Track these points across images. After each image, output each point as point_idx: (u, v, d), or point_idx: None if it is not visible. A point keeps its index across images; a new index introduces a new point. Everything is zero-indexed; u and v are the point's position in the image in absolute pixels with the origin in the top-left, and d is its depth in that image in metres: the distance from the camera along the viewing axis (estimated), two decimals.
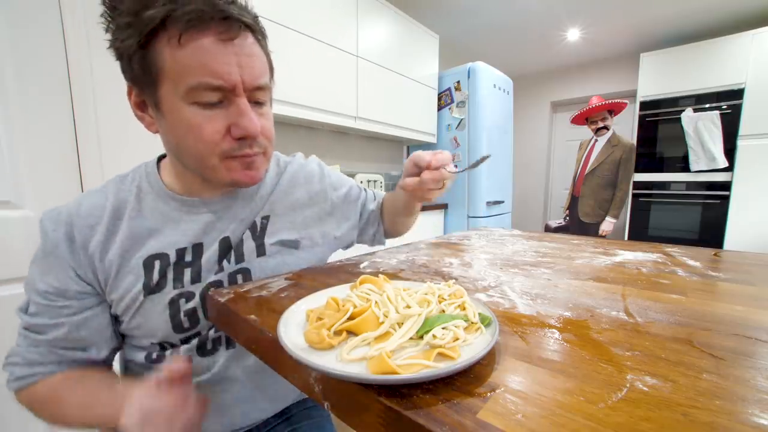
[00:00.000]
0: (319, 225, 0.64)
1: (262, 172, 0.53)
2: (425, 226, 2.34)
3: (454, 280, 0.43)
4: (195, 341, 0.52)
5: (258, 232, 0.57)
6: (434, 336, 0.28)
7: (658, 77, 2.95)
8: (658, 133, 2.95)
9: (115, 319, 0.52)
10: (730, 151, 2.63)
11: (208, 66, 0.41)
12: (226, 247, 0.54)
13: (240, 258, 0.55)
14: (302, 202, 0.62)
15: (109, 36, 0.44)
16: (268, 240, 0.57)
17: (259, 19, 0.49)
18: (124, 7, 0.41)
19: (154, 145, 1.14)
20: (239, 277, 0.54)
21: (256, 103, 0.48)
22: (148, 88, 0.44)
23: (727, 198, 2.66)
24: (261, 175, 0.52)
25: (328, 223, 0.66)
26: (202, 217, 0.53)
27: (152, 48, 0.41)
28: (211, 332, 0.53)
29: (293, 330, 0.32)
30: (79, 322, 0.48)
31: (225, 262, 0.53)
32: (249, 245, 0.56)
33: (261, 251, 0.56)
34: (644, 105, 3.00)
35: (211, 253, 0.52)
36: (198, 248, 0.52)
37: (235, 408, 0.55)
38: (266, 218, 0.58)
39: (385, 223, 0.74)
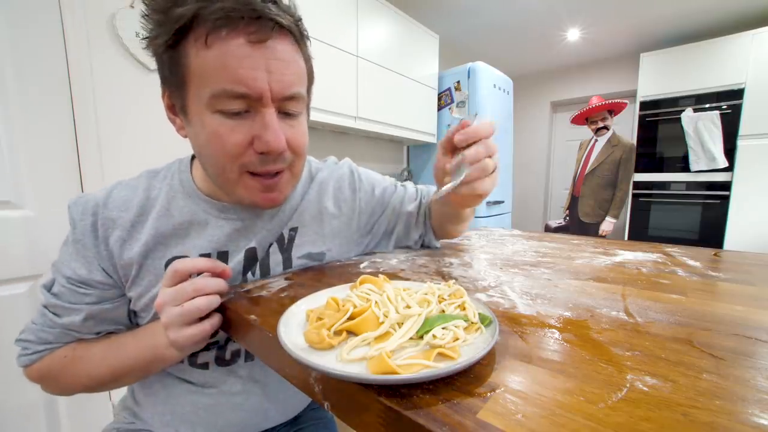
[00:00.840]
0: (346, 234, 0.62)
1: (286, 193, 0.50)
2: None
3: (454, 280, 0.43)
4: (214, 350, 0.51)
5: (285, 245, 0.55)
6: (434, 336, 0.28)
7: (658, 77, 2.95)
8: (658, 133, 2.95)
9: (134, 314, 0.51)
10: (730, 151, 2.63)
11: (232, 70, 0.39)
12: (252, 259, 0.52)
13: (266, 271, 0.53)
14: (330, 212, 0.60)
15: (146, 34, 0.42)
16: (296, 253, 0.56)
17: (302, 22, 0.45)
18: (156, 5, 0.39)
19: (153, 145, 1.15)
20: None
21: (287, 114, 0.45)
22: (177, 90, 0.43)
23: (727, 198, 2.66)
24: (283, 197, 0.49)
25: (354, 232, 0.63)
26: (229, 223, 0.51)
27: (181, 48, 0.39)
28: (231, 343, 0.52)
29: (293, 330, 0.32)
30: (96, 312, 0.47)
31: (249, 274, 0.52)
32: (275, 258, 0.54)
33: (288, 265, 0.55)
34: (644, 105, 3.00)
35: (235, 263, 0.51)
36: (223, 256, 0.51)
37: (248, 419, 0.55)
38: (294, 230, 0.56)
39: (433, 224, 0.67)
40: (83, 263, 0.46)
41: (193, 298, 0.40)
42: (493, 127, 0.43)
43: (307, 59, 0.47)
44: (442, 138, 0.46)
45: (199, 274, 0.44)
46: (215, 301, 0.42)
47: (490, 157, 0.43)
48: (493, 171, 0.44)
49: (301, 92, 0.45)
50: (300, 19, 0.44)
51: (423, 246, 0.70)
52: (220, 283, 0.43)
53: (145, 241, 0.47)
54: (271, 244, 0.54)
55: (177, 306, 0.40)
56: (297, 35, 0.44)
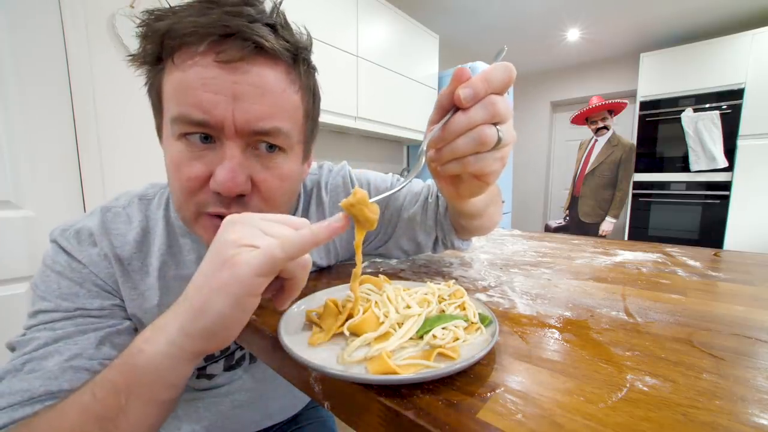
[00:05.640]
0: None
1: None
2: None
3: (454, 280, 0.43)
4: (222, 360, 0.51)
5: None
6: (434, 336, 0.28)
7: (658, 77, 2.95)
8: (658, 133, 2.95)
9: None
10: (730, 151, 2.63)
11: (193, 92, 0.34)
12: None
13: None
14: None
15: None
16: None
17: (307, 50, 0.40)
18: (141, 21, 0.36)
19: (153, 145, 1.15)
20: None
21: (269, 149, 0.38)
22: (156, 112, 0.40)
23: (727, 198, 2.66)
24: None
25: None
26: None
27: (158, 66, 0.37)
28: (238, 351, 0.52)
29: (293, 330, 0.32)
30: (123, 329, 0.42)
31: None
32: None
33: None
34: (644, 105, 3.00)
35: None
36: None
37: (248, 417, 0.55)
38: None
39: (452, 221, 0.54)
40: (95, 293, 0.41)
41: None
42: (509, 71, 0.29)
43: (307, 92, 0.41)
44: (441, 93, 0.32)
45: None
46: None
47: (495, 123, 0.29)
48: (499, 144, 0.30)
49: (281, 128, 0.37)
50: (305, 48, 0.39)
51: (448, 248, 0.60)
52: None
53: (153, 284, 0.44)
54: None
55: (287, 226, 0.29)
56: (291, 63, 0.38)
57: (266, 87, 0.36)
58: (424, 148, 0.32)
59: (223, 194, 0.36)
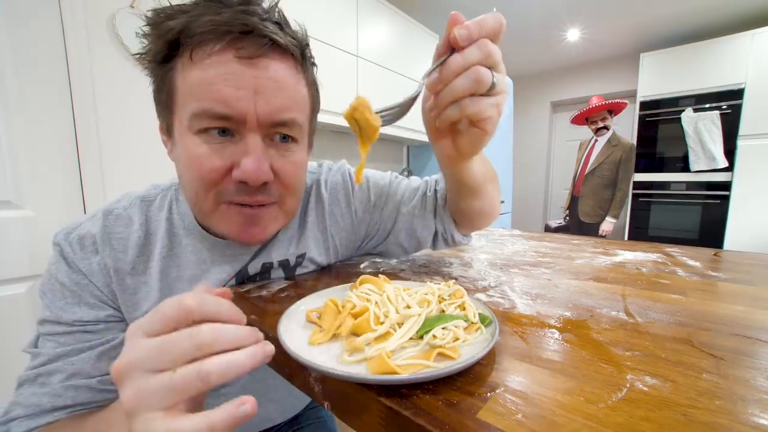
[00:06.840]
0: (348, 245, 0.60)
1: (270, 229, 0.44)
2: None
3: (454, 280, 0.43)
4: None
5: (291, 267, 0.54)
6: (434, 336, 0.28)
7: (658, 77, 2.95)
8: (658, 133, 2.95)
9: None
10: (730, 151, 2.63)
11: (215, 88, 0.35)
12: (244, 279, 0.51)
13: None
14: (331, 231, 0.57)
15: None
16: (300, 271, 0.55)
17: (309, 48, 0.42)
18: (150, 20, 0.37)
19: (153, 145, 1.15)
20: None
21: (280, 142, 0.41)
22: (165, 110, 0.40)
23: (727, 198, 2.67)
24: (267, 234, 0.44)
25: (357, 240, 0.60)
26: (232, 262, 0.49)
27: (169, 64, 0.38)
28: None
29: (293, 330, 0.32)
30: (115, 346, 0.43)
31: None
32: (277, 275, 0.53)
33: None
34: (644, 105, 3.01)
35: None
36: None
37: None
38: (302, 256, 0.54)
39: (451, 211, 0.56)
40: (92, 304, 0.42)
41: (196, 359, 0.23)
42: (500, 19, 0.31)
43: (312, 86, 0.44)
44: (438, 44, 0.33)
45: None
46: (242, 361, 0.24)
47: (489, 67, 0.31)
48: (493, 90, 0.31)
49: (297, 119, 0.40)
50: (307, 45, 0.42)
51: (449, 244, 0.60)
52: (244, 333, 0.26)
53: (156, 286, 0.44)
54: (270, 267, 0.52)
55: (161, 373, 0.23)
56: (299, 59, 0.41)
57: (282, 81, 0.38)
58: (422, 82, 0.34)
59: (249, 183, 0.38)
